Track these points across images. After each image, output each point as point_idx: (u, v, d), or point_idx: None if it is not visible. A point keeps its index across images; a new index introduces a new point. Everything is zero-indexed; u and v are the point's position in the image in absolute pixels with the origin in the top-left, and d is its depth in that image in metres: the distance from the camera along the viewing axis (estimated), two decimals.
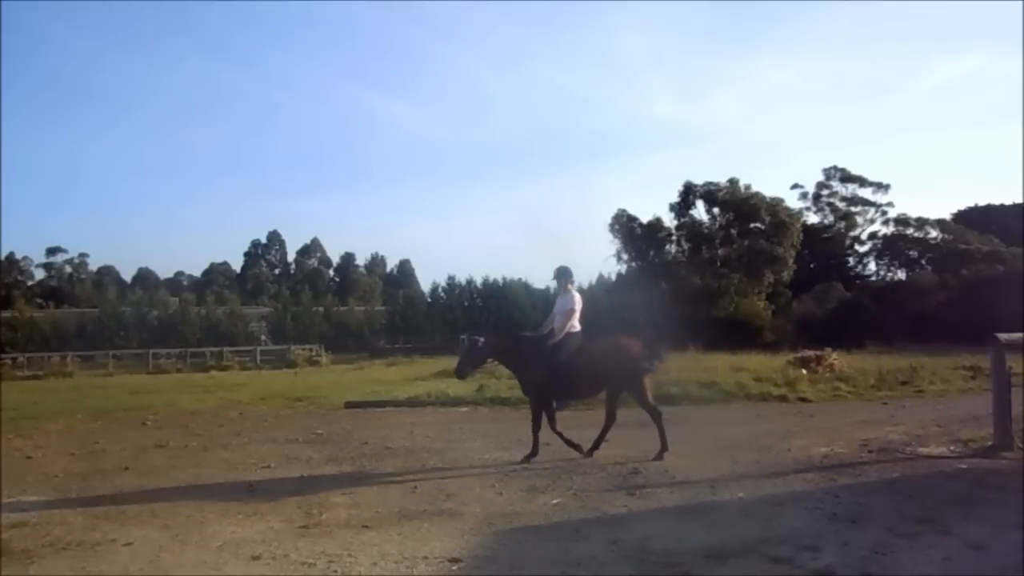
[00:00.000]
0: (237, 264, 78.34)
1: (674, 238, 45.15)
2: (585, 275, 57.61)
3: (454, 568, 4.80)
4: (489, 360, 8.85)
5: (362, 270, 78.99)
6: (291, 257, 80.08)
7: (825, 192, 54.60)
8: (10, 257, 67.79)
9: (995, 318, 14.63)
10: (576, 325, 8.73)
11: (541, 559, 4.90)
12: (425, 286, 62.78)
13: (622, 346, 8.69)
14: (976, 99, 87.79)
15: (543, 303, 51.98)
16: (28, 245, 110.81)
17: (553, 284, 9.82)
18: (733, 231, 43.38)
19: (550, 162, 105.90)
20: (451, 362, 27.79)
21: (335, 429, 11.87)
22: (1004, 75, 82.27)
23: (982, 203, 55.01)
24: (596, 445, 8.64)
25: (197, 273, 76.68)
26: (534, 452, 8.38)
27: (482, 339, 8.60)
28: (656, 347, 8.95)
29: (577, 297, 8.78)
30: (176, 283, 72.45)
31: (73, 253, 74.28)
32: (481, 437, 10.55)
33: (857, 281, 49.92)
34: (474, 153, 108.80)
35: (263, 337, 48.83)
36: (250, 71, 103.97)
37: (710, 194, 43.95)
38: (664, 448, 8.44)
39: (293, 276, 75.55)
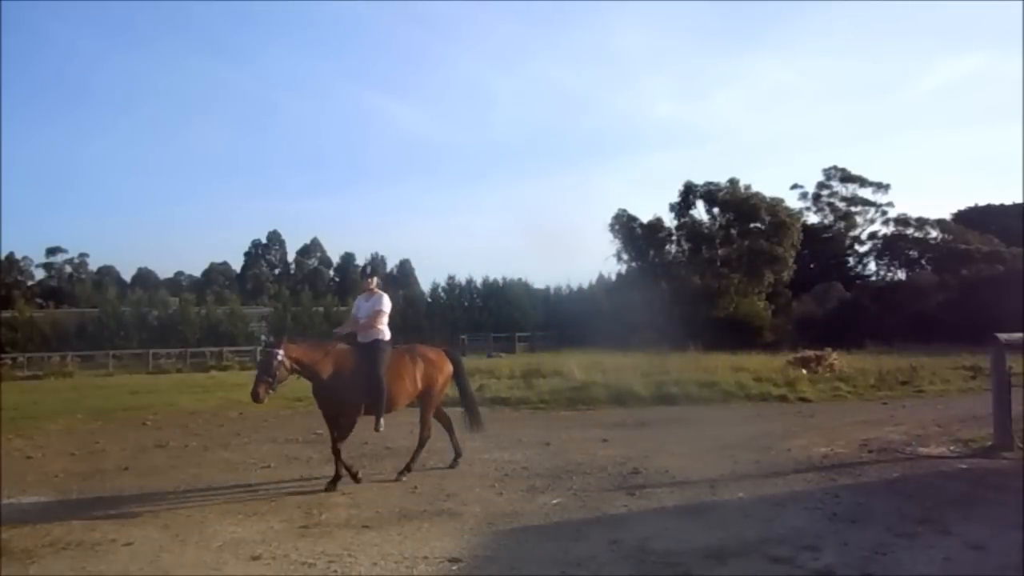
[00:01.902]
0: (237, 264, 78.22)
1: (674, 238, 45.21)
2: (585, 275, 57.96)
3: (454, 568, 4.80)
4: (293, 375, 7.23)
5: None
6: (291, 257, 79.95)
7: (825, 192, 54.68)
8: (10, 257, 67.70)
9: (995, 318, 14.67)
10: (385, 331, 7.73)
11: (541, 559, 4.90)
12: (425, 286, 62.46)
13: (426, 356, 8.01)
14: (976, 99, 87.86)
15: (543, 303, 52.19)
16: (28, 245, 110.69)
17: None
18: (733, 231, 43.44)
19: (550, 162, 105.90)
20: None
21: None
22: (1004, 75, 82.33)
23: (982, 203, 55.14)
24: (408, 467, 7.86)
25: (197, 273, 76.53)
26: (337, 478, 7.28)
27: (280, 352, 7.02)
28: (455, 358, 8.36)
29: (386, 298, 7.80)
30: (176, 283, 72.31)
31: (73, 253, 74.06)
32: (481, 437, 10.51)
33: (857, 281, 49.93)
34: (474, 153, 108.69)
35: (263, 337, 48.75)
36: (250, 71, 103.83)
37: (710, 194, 44.02)
38: (458, 454, 8.27)
39: (293, 276, 75.40)
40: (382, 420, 7.39)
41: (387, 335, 7.72)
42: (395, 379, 7.57)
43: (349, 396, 7.27)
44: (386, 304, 7.74)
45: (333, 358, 7.32)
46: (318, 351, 7.34)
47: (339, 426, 7.34)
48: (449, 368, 8.21)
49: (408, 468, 7.77)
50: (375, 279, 8.01)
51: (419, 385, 7.84)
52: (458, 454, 8.28)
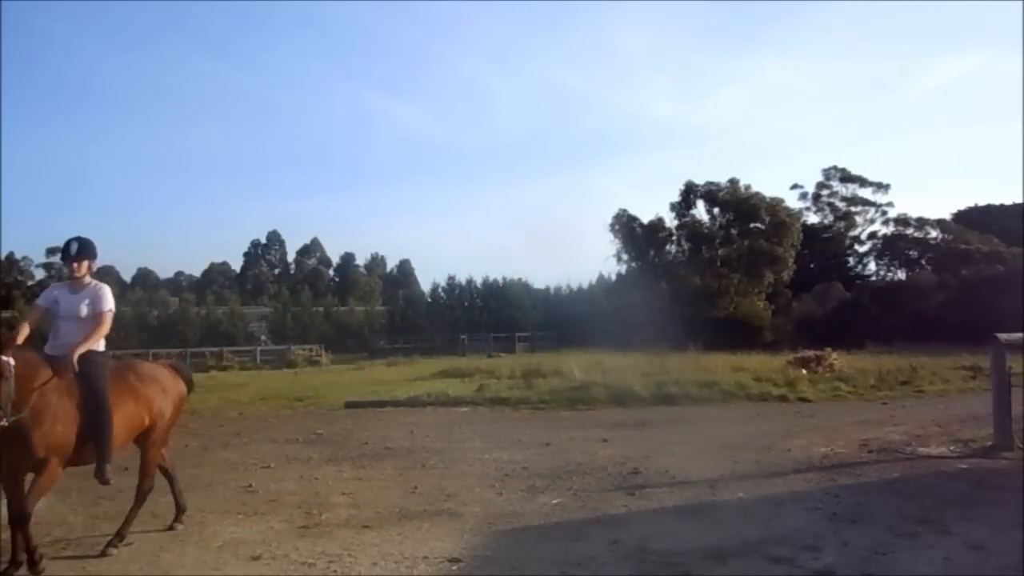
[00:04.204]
0: (237, 264, 78.09)
1: (674, 238, 45.22)
2: (585, 275, 57.94)
3: (454, 568, 4.80)
4: None
5: (362, 270, 78.91)
6: (291, 257, 79.90)
7: (825, 192, 54.57)
8: (10, 257, 67.59)
9: (995, 318, 14.69)
10: (101, 341, 5.34)
11: (541, 559, 4.90)
12: (425, 286, 62.73)
13: (153, 377, 5.78)
14: (976, 99, 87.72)
15: (543, 303, 52.20)
16: (28, 245, 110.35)
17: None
18: (733, 231, 43.44)
19: (550, 162, 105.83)
20: (451, 362, 27.83)
21: (335, 429, 11.87)
22: (1004, 75, 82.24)
23: (982, 203, 54.97)
24: (121, 533, 5.43)
25: (197, 273, 76.41)
26: (15, 564, 4.71)
27: (11, 361, 4.63)
28: (188, 378, 6.27)
29: (109, 292, 5.41)
30: (176, 283, 72.26)
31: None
32: (481, 437, 10.56)
33: (857, 281, 49.88)
34: (474, 153, 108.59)
35: (263, 337, 48.82)
36: (250, 71, 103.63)
37: (710, 194, 44.03)
38: (180, 510, 5.94)
39: (293, 276, 75.37)
40: (109, 467, 5.00)
41: (102, 345, 5.37)
42: (116, 409, 5.15)
43: (58, 437, 4.77)
44: (110, 301, 5.37)
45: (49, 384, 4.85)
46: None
47: (14, 491, 4.68)
48: (183, 391, 6.05)
49: (121, 535, 5.40)
50: (87, 262, 5.38)
51: (147, 417, 5.58)
52: (181, 510, 5.95)
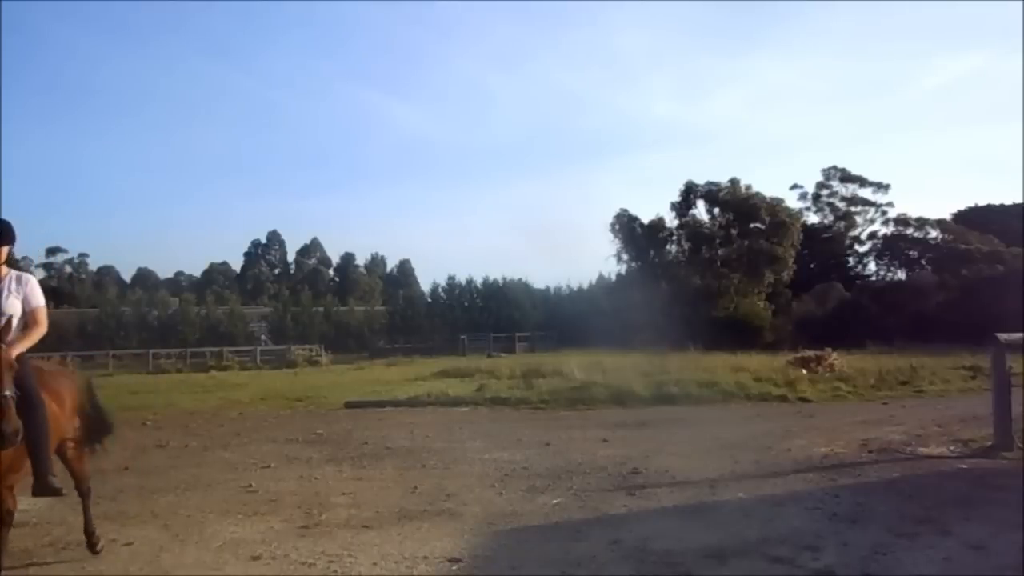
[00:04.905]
0: (237, 264, 78.11)
1: (674, 238, 45.28)
2: (585, 275, 57.95)
3: (454, 568, 4.80)
4: None
5: (362, 270, 78.95)
6: (291, 257, 79.94)
7: (825, 192, 54.59)
8: (10, 257, 67.65)
9: (995, 318, 14.71)
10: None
11: (541, 559, 4.90)
12: (425, 286, 62.74)
13: (63, 375, 5.34)
14: (976, 99, 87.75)
15: (543, 303, 52.21)
16: (28, 245, 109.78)
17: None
18: (733, 231, 43.49)
19: (550, 162, 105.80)
20: (451, 362, 27.86)
21: (335, 429, 11.87)
22: (1004, 75, 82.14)
23: (982, 203, 54.94)
24: (93, 532, 5.27)
25: (197, 273, 76.45)
26: None
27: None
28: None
29: (37, 284, 4.82)
30: (176, 283, 72.32)
31: (73, 253, 73.74)
32: (481, 437, 10.56)
33: (857, 281, 49.91)
34: (474, 153, 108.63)
35: (263, 337, 48.82)
36: (250, 71, 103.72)
37: (711, 194, 44.09)
38: (92, 540, 5.21)
39: (293, 276, 75.41)
40: (52, 476, 4.55)
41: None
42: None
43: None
44: (40, 293, 4.77)
45: None
46: None
47: None
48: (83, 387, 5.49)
49: (90, 533, 5.24)
50: (5, 248, 4.66)
51: (73, 416, 5.07)
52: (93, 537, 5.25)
